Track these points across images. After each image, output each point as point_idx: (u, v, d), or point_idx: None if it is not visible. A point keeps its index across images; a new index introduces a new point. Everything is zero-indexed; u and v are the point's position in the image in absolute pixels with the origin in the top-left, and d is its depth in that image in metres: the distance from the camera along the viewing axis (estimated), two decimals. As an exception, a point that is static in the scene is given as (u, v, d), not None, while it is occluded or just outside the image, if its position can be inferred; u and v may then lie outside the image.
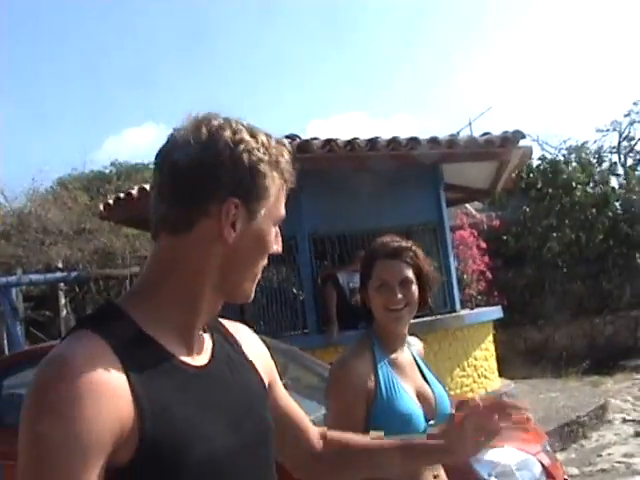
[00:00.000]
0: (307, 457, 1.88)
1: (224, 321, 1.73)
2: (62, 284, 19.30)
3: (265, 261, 1.55)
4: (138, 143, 46.66)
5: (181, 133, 1.47)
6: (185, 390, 1.39)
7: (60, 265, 19.12)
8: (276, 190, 1.50)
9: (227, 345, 1.64)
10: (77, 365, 1.26)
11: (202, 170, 1.43)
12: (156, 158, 1.51)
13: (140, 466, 1.28)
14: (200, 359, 1.50)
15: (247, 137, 1.46)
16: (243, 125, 1.48)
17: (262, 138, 1.48)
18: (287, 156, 1.53)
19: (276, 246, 1.55)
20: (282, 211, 1.54)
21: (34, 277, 18.20)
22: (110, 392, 1.26)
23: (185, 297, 1.46)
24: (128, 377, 1.30)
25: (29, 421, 1.26)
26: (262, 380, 1.68)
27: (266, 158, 1.47)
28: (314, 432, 1.90)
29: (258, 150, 1.46)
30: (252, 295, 1.56)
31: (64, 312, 19.25)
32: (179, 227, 1.44)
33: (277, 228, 1.55)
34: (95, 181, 24.37)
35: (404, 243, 2.92)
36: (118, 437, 1.25)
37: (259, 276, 1.56)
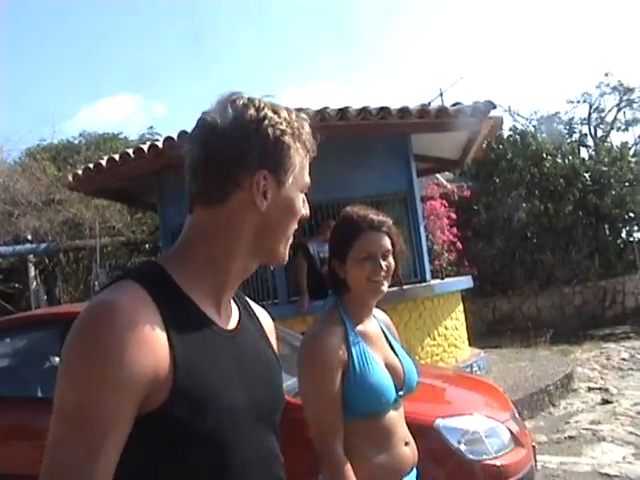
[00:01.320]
0: None
1: (248, 300, 1.88)
2: (31, 256, 19.14)
3: (295, 226, 1.68)
4: (113, 114, 46.22)
5: (210, 114, 1.59)
6: (214, 348, 1.52)
7: (29, 237, 18.93)
8: (300, 159, 1.63)
9: (250, 320, 1.77)
10: (121, 310, 1.37)
11: (232, 146, 1.54)
12: (188, 140, 1.63)
13: (170, 411, 1.38)
14: (228, 323, 1.63)
15: (270, 113, 1.58)
16: (265, 102, 1.60)
17: (284, 113, 1.60)
18: (307, 128, 1.65)
19: (304, 211, 1.68)
20: (307, 179, 1.67)
21: (3, 249, 18.06)
22: (150, 339, 1.37)
23: (218, 262, 1.58)
24: (166, 327, 1.41)
25: (70, 360, 1.37)
26: (278, 360, 1.82)
27: (289, 131, 1.59)
28: None
29: (281, 124, 1.58)
30: (287, 258, 1.70)
31: (34, 284, 19.10)
32: (214, 200, 1.57)
33: (304, 195, 1.68)
34: (64, 151, 24.10)
35: (382, 215, 2.97)
36: (153, 382, 1.36)
37: (291, 239, 1.69)
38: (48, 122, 44.73)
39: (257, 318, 1.82)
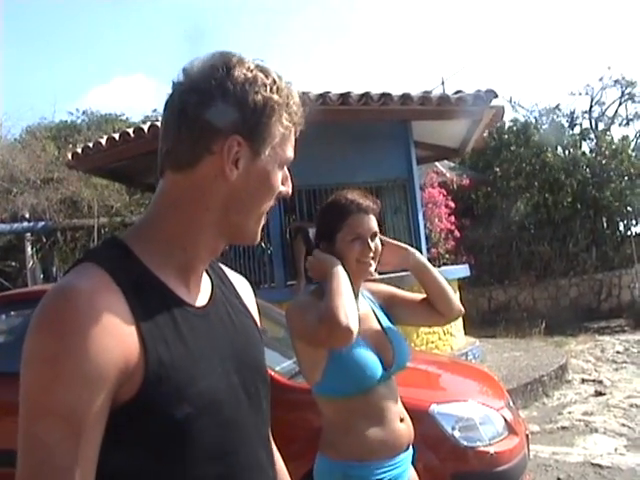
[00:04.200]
0: None
1: (224, 267, 1.75)
2: (29, 234, 19.12)
3: (271, 203, 1.52)
4: (124, 94, 46.07)
5: (194, 68, 1.45)
6: (185, 328, 1.39)
7: (27, 215, 18.92)
8: (283, 131, 1.47)
9: (226, 290, 1.64)
10: (81, 296, 1.25)
11: (208, 107, 1.40)
12: (170, 91, 1.48)
13: (144, 401, 1.28)
14: (199, 299, 1.50)
15: (259, 75, 1.43)
16: (257, 64, 1.46)
17: (274, 77, 1.45)
18: (297, 98, 1.50)
19: (285, 188, 1.52)
20: (290, 153, 1.51)
21: (0, 227, 18.02)
22: (115, 325, 1.26)
23: (186, 235, 1.45)
24: (132, 311, 1.30)
25: (32, 356, 1.25)
26: (258, 327, 1.70)
27: (275, 97, 1.44)
28: None
29: (268, 89, 1.43)
30: (258, 238, 1.55)
31: (31, 262, 19.09)
32: (183, 164, 1.43)
33: (286, 171, 1.53)
34: (64, 130, 24.08)
35: (371, 199, 3.04)
36: (123, 371, 1.25)
37: (264, 219, 1.54)
38: (55, 101, 44.63)
39: (233, 287, 1.70)
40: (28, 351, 1.26)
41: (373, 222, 2.97)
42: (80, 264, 1.36)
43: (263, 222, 1.54)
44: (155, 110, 25.06)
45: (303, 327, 2.77)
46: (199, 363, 1.38)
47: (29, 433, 1.23)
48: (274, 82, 1.44)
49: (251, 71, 1.43)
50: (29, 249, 19.22)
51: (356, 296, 2.98)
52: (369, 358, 2.82)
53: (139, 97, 48.06)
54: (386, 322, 3.07)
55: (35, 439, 1.22)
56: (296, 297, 3.05)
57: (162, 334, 1.34)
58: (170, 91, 1.48)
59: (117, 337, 1.26)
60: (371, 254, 2.92)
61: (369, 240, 2.92)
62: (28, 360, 1.25)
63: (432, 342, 10.66)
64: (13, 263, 19.69)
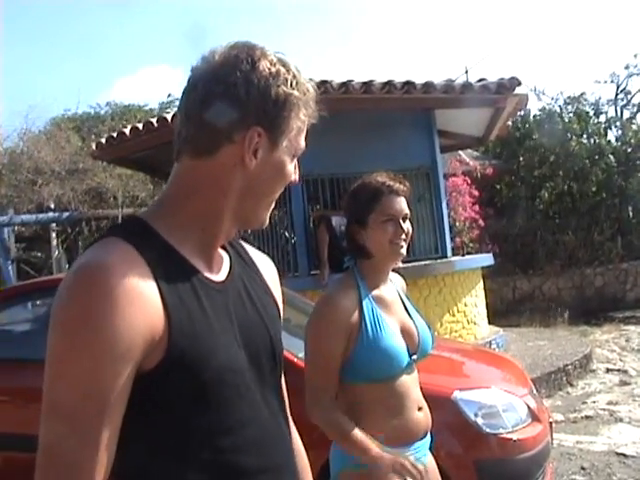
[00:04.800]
0: None
1: (247, 246, 1.80)
2: (54, 224, 19.21)
3: (281, 190, 1.59)
4: (150, 85, 46.15)
5: (217, 57, 1.49)
6: (207, 302, 1.44)
7: (52, 205, 19.02)
8: (299, 123, 1.54)
9: (246, 266, 1.70)
10: (110, 271, 1.29)
11: (233, 97, 1.45)
12: (188, 80, 1.52)
13: (166, 371, 1.33)
14: (218, 275, 1.56)
15: (281, 69, 1.48)
16: (278, 57, 1.51)
17: (294, 72, 1.51)
18: (313, 92, 1.56)
19: (294, 176, 1.59)
20: (303, 144, 1.58)
21: (26, 217, 18.08)
22: (142, 298, 1.30)
23: (204, 219, 1.51)
24: (158, 285, 1.35)
25: (60, 326, 1.29)
26: (277, 304, 1.75)
27: (295, 93, 1.49)
28: None
29: (289, 84, 1.49)
30: (267, 222, 1.61)
31: (56, 252, 19.20)
32: (202, 151, 1.48)
33: (296, 161, 1.59)
34: (88, 122, 24.19)
35: (401, 181, 3.03)
36: (148, 344, 1.30)
37: (273, 205, 1.60)
38: (79, 93, 44.84)
39: (254, 265, 1.75)
40: (56, 323, 1.29)
41: (404, 204, 2.97)
42: (104, 239, 1.40)
43: (272, 208, 1.61)
44: (170, 95, 25.09)
45: (310, 355, 2.84)
46: (219, 336, 1.44)
47: (53, 408, 1.27)
48: (294, 77, 1.50)
49: (274, 65, 1.48)
50: (54, 239, 19.32)
51: (384, 281, 3.02)
52: (399, 346, 2.83)
53: (163, 87, 48.16)
54: (411, 309, 3.08)
55: (60, 414, 1.26)
56: (327, 290, 3.06)
57: (186, 307, 1.38)
58: (189, 78, 1.52)
59: (145, 310, 1.30)
60: (403, 235, 2.93)
61: (401, 221, 2.93)
62: (56, 333, 1.29)
63: (456, 331, 10.64)
64: (39, 253, 19.84)
